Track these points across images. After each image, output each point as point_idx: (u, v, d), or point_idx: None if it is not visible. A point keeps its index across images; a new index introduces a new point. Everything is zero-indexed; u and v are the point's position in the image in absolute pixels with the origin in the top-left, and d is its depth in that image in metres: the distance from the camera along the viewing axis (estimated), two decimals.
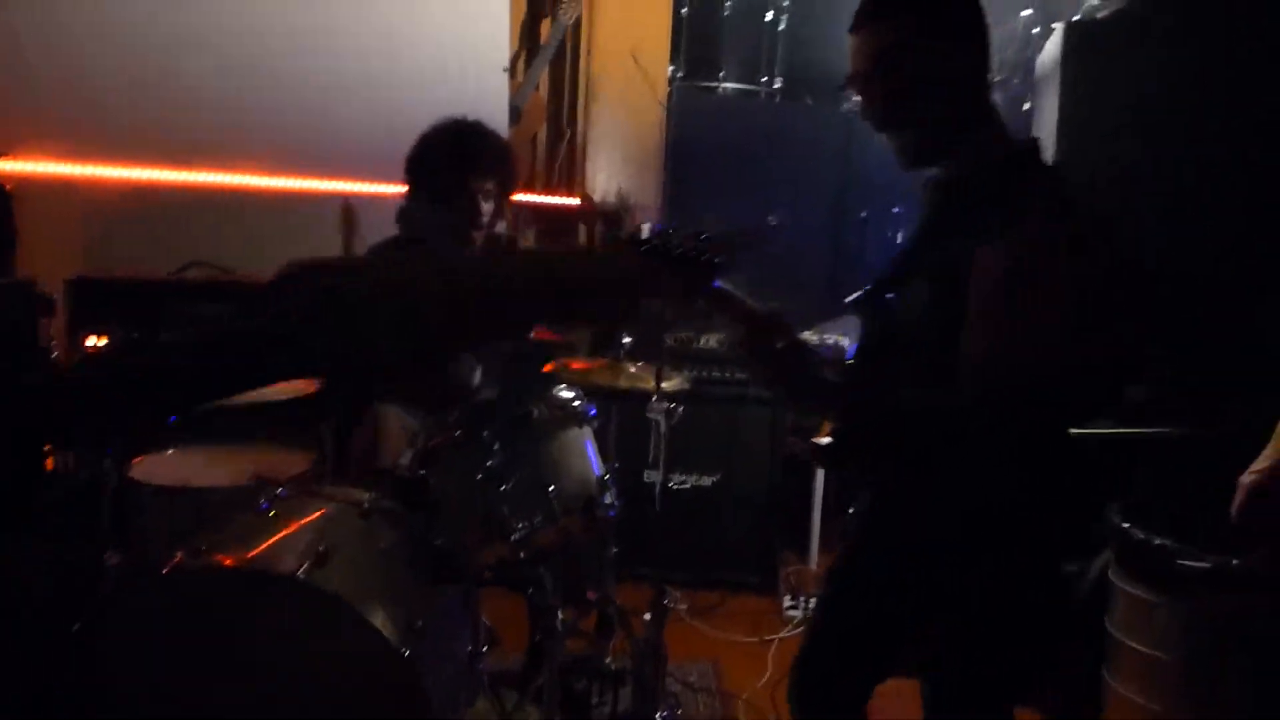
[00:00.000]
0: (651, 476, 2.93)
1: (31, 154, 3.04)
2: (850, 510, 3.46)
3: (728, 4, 4.00)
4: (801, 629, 3.06)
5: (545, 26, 3.98)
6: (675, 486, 3.25)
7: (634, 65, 3.92)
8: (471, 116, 2.55)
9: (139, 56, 3.09)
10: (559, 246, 3.41)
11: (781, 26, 4.12)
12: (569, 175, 4.11)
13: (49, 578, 1.90)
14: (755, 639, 3.04)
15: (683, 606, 3.16)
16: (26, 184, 3.01)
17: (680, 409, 2.30)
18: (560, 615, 2.16)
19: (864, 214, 4.05)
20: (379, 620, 1.59)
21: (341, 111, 3.37)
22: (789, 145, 3.94)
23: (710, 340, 3.43)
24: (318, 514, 1.85)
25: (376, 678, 1.60)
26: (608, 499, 1.93)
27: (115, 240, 3.12)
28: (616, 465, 2.13)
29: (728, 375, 3.38)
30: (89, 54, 3.03)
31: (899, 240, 3.86)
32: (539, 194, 3.99)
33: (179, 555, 1.60)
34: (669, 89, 4.07)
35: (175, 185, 3.24)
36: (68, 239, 3.07)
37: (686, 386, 2.34)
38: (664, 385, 2.18)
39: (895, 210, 4.02)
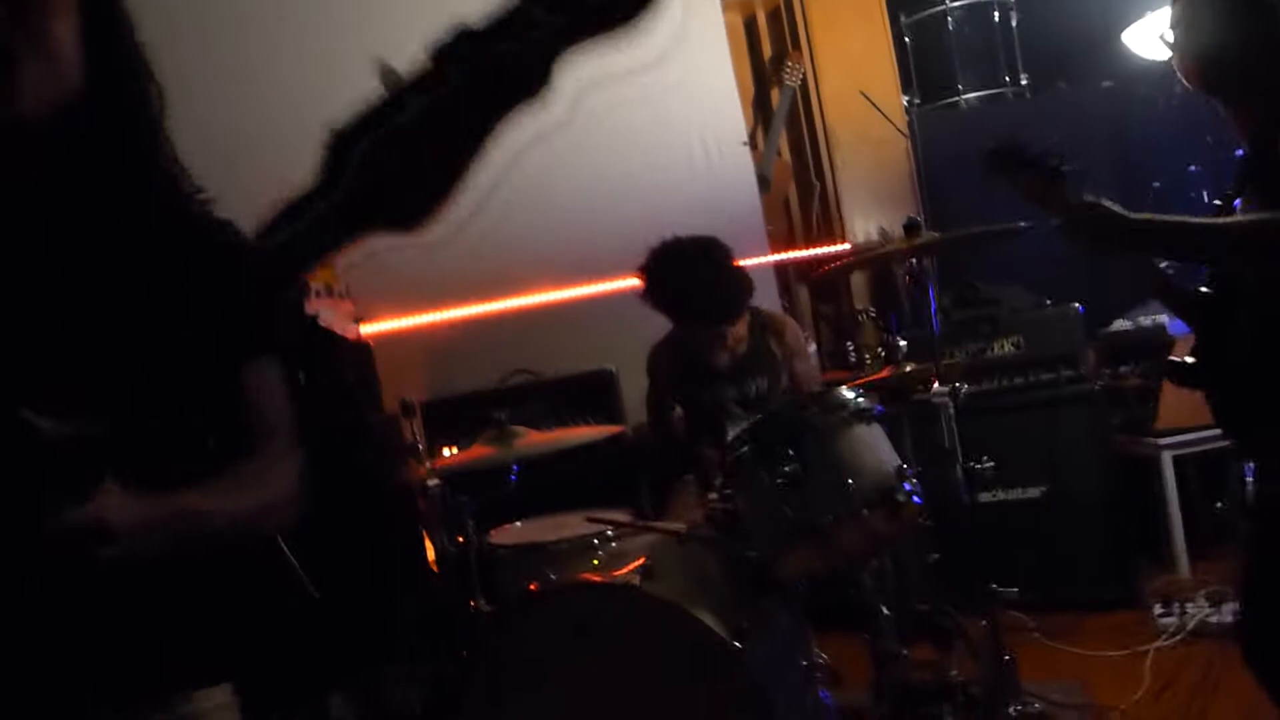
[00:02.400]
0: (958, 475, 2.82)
1: (383, 314, 3.73)
2: (1219, 505, 3.09)
3: (949, 19, 3.98)
4: (1179, 637, 2.74)
5: (775, 94, 4.20)
6: (999, 499, 3.08)
7: (868, 105, 4.00)
8: (719, 215, 2.71)
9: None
10: None
11: (1013, 23, 4.02)
12: (827, 225, 4.21)
13: (435, 622, 2.25)
14: (1126, 652, 2.75)
15: (1031, 626, 2.94)
16: (382, 338, 3.69)
17: (964, 388, 2.24)
18: (897, 638, 2.16)
19: (1157, 184, 3.73)
20: (708, 620, 1.71)
21: (611, 214, 3.75)
22: (1049, 138, 3.76)
23: (1005, 346, 3.29)
24: (642, 542, 2.05)
25: (714, 675, 1.71)
26: (909, 487, 1.93)
27: (453, 364, 3.67)
28: (917, 468, 2.12)
29: (1031, 379, 3.20)
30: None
31: (1208, 199, 3.51)
32: (802, 249, 4.12)
33: (533, 584, 1.86)
34: (907, 117, 4.08)
35: (491, 313, 3.80)
36: (415, 371, 3.68)
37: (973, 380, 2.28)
38: (948, 371, 2.15)
39: (1191, 169, 3.67)
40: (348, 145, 0.65)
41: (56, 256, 1.00)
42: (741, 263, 2.65)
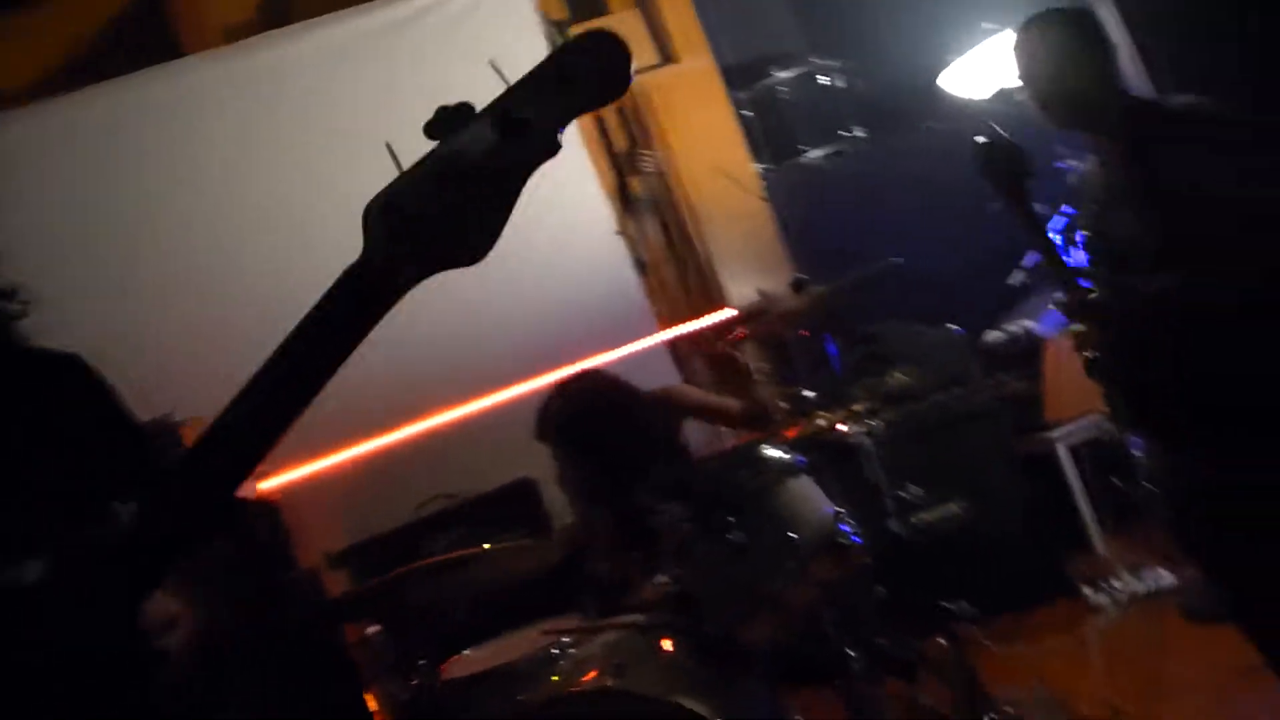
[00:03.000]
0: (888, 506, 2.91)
1: (283, 465, 3.59)
2: (1117, 482, 3.26)
3: (781, 89, 4.27)
4: (1117, 611, 2.87)
5: (635, 183, 4.37)
6: (924, 522, 3.18)
7: (724, 179, 4.21)
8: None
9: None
10: None
11: (842, 84, 4.34)
12: (708, 297, 4.35)
13: None
14: (1071, 638, 2.86)
15: (981, 637, 3.02)
16: (287, 489, 3.54)
17: (881, 423, 2.34)
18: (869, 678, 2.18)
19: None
20: (693, 705, 1.69)
21: (500, 324, 3.76)
22: (889, 181, 4.05)
23: (898, 376, 3.44)
24: (602, 643, 2.01)
25: None
26: (848, 528, 1.98)
27: (366, 503, 3.55)
28: (841, 510, 2.17)
29: (928, 404, 3.37)
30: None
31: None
32: (689, 322, 4.23)
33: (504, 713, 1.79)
34: (762, 183, 4.31)
35: (394, 442, 3.71)
36: (328, 517, 3.54)
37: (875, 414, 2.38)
38: (854, 407, 2.25)
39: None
40: (392, 206, 0.78)
41: None
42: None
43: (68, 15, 4.11)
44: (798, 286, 2.40)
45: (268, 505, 3.30)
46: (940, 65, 3.36)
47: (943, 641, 2.17)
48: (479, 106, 0.80)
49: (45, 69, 4.15)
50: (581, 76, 0.78)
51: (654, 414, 2.72)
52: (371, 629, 2.50)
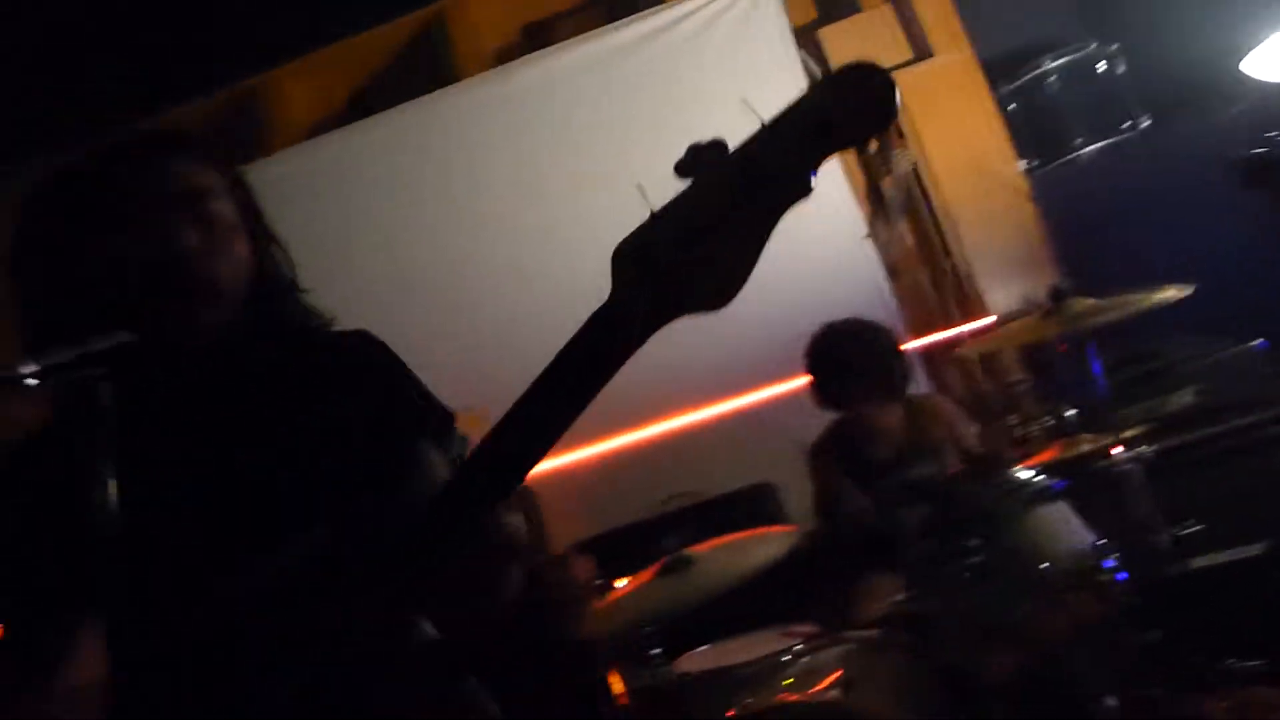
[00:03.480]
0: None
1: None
2: None
3: (1050, 79, 3.95)
4: None
5: (887, 183, 4.23)
6: (1214, 564, 2.82)
7: (985, 178, 3.97)
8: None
9: None
10: None
11: (1119, 70, 3.94)
12: (964, 303, 4.12)
13: None
14: None
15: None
16: (540, 478, 3.80)
17: (1151, 450, 2.11)
18: None
19: None
20: None
21: (745, 329, 3.80)
22: (1183, 173, 3.62)
23: (1184, 397, 3.08)
24: (835, 654, 1.99)
25: None
26: (1109, 564, 1.81)
27: (612, 496, 3.73)
28: (1117, 543, 1.99)
29: (1223, 428, 2.97)
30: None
31: None
32: (944, 330, 4.05)
33: (730, 710, 1.83)
34: (1028, 182, 4.01)
35: (642, 440, 3.87)
36: (576, 507, 3.76)
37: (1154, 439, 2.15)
38: (1126, 433, 2.04)
39: None
40: (642, 253, 0.79)
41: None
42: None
43: (352, 52, 4.67)
44: (1057, 296, 2.23)
45: (526, 490, 3.57)
46: (1243, 47, 2.96)
47: (1225, 704, 1.92)
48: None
49: (333, 103, 4.74)
50: (839, 117, 0.74)
51: (911, 418, 2.66)
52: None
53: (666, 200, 0.80)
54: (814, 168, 0.75)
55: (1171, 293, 2.13)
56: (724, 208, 0.76)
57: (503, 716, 1.21)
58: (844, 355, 2.60)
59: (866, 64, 0.75)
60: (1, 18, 3.78)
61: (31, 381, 0.96)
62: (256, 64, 4.56)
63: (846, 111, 0.73)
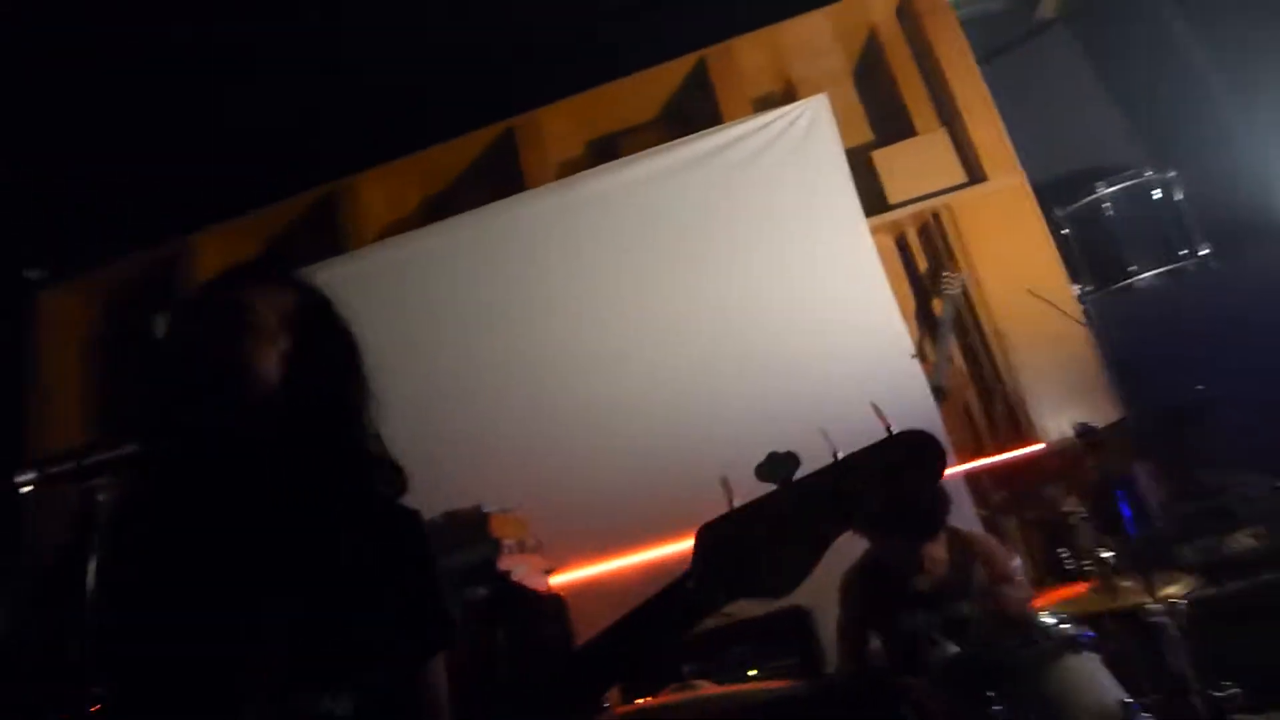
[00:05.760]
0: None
1: (573, 563, 3.82)
2: None
3: (1105, 205, 3.91)
4: None
5: (938, 304, 4.20)
6: None
7: (1038, 301, 3.91)
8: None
9: (633, 452, 3.88)
10: None
11: (1177, 196, 3.89)
12: (1014, 429, 4.01)
13: None
14: None
15: None
16: (573, 588, 3.76)
17: (1189, 605, 1.98)
18: None
19: None
20: None
21: (789, 445, 3.75)
22: (1244, 304, 3.51)
23: (1244, 539, 2.91)
24: None
25: None
26: None
27: None
28: (1151, 697, 1.86)
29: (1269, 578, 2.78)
30: (598, 466, 3.88)
31: None
32: (992, 456, 3.93)
33: None
34: (1082, 306, 3.94)
35: (675, 554, 3.80)
36: (608, 619, 3.68)
37: (1206, 585, 2.03)
38: (1167, 589, 1.93)
39: None
40: (727, 543, 0.95)
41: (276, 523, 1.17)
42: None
43: (434, 161, 4.92)
44: (1083, 434, 2.15)
45: (556, 597, 3.52)
46: None
47: None
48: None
49: (407, 209, 4.99)
50: (900, 470, 0.93)
51: (953, 554, 2.55)
52: None
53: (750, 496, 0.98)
54: (875, 505, 0.94)
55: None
56: (794, 516, 0.93)
57: None
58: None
59: (926, 433, 0.96)
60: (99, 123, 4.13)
61: (26, 489, 1.03)
62: (340, 171, 4.86)
63: (906, 467, 0.94)
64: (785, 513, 0.93)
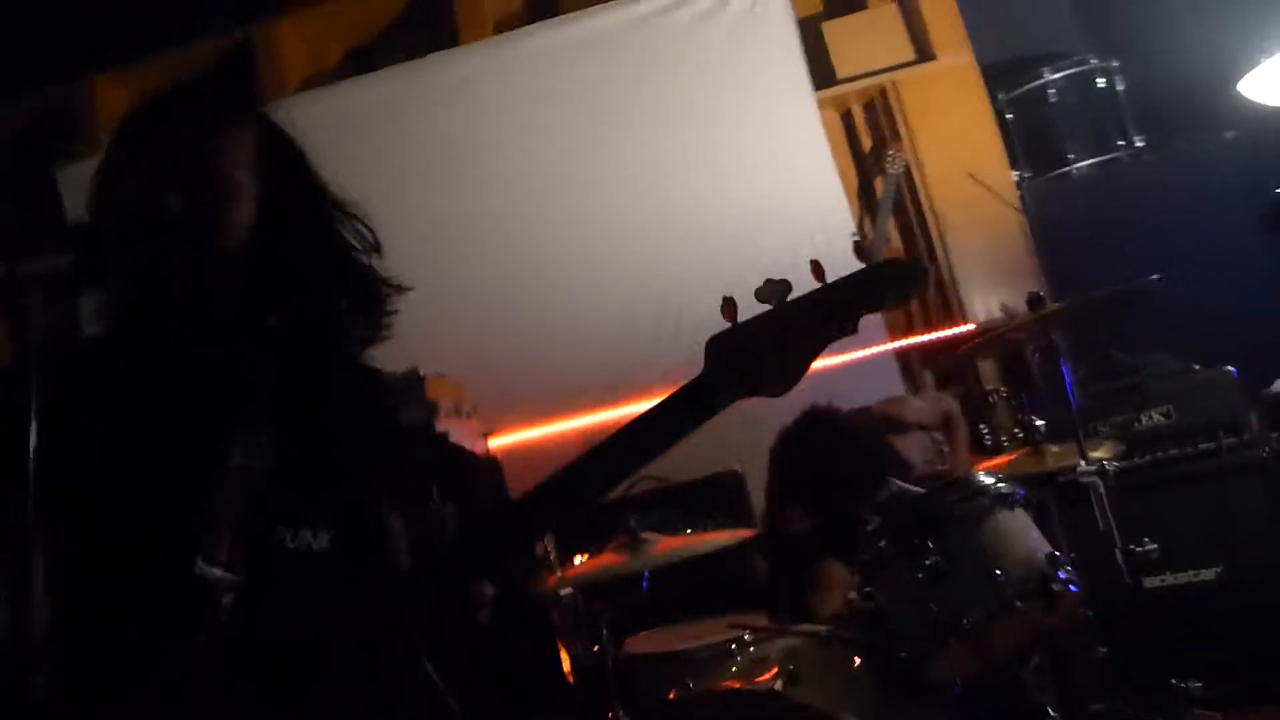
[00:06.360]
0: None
1: (509, 427, 3.83)
2: None
3: (1050, 91, 3.93)
4: None
5: (879, 184, 4.21)
6: (1169, 584, 2.83)
7: (976, 185, 3.96)
8: None
9: (572, 315, 3.86)
10: None
11: (1119, 86, 3.93)
12: (945, 308, 4.12)
13: None
14: None
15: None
16: (509, 451, 3.78)
17: (1115, 467, 2.11)
18: None
19: None
20: None
21: (714, 310, 3.78)
22: (1174, 197, 3.62)
23: (1154, 416, 3.09)
24: (782, 646, 1.98)
25: None
26: (1063, 575, 1.80)
27: None
28: (1071, 555, 1.98)
29: (1189, 450, 2.98)
30: (542, 326, 3.86)
31: None
32: (924, 334, 4.04)
33: (671, 693, 1.81)
34: (1019, 192, 4.00)
35: (612, 420, 3.85)
36: None
37: (1123, 455, 2.15)
38: (1094, 453, 2.04)
39: None
40: (736, 350, 1.06)
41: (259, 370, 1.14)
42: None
43: (360, 8, 4.61)
44: (1034, 303, 2.22)
45: (493, 461, 3.54)
46: (1241, 68, 2.95)
47: None
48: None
49: (329, 60, 4.68)
50: (886, 286, 1.07)
51: (875, 435, 2.63)
52: (566, 591, 2.61)
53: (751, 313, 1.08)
54: (859, 318, 1.06)
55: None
56: (796, 331, 1.06)
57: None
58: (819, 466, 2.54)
59: (915, 260, 1.27)
60: None
61: None
62: (257, 13, 4.50)
63: (891, 288, 1.07)
64: (786, 324, 1.05)
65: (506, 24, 4.52)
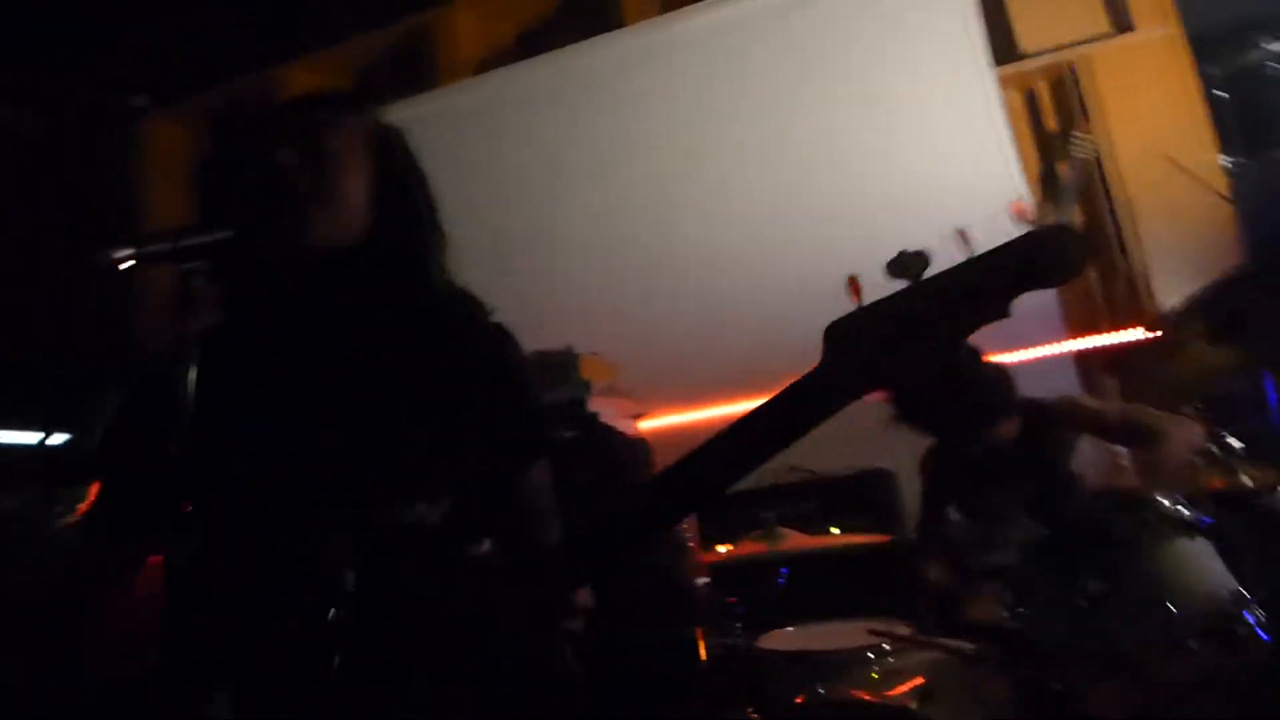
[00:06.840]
0: None
1: (661, 410, 3.84)
2: None
3: (1270, 64, 3.50)
4: None
5: (1063, 167, 3.89)
6: None
7: (1174, 169, 3.59)
8: None
9: (735, 299, 3.82)
10: None
11: None
12: (1136, 307, 3.77)
13: None
14: None
15: None
16: (660, 434, 3.78)
17: None
18: None
19: None
20: None
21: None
22: None
23: None
24: (922, 660, 1.88)
25: None
26: (1251, 617, 1.61)
27: None
28: (1263, 596, 1.77)
29: None
30: (703, 309, 3.84)
31: None
32: (1107, 334, 3.72)
33: (800, 697, 1.76)
34: (1228, 179, 3.60)
35: None
36: None
37: None
38: None
39: None
40: (855, 341, 0.92)
41: (361, 372, 1.17)
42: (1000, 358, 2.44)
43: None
44: (1233, 323, 1.97)
45: (642, 442, 3.56)
46: None
47: None
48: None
49: (497, 45, 4.81)
50: (1041, 262, 0.86)
51: (1043, 428, 2.44)
52: (703, 580, 2.60)
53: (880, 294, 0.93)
54: (1009, 300, 0.87)
55: None
56: (931, 314, 0.89)
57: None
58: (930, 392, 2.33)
59: (1069, 227, 0.91)
60: None
61: (125, 265, 1.03)
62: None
63: (1046, 259, 0.87)
64: (915, 308, 0.89)
65: (673, 3, 4.49)
